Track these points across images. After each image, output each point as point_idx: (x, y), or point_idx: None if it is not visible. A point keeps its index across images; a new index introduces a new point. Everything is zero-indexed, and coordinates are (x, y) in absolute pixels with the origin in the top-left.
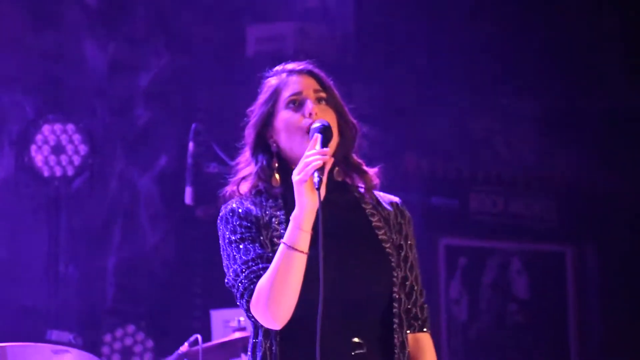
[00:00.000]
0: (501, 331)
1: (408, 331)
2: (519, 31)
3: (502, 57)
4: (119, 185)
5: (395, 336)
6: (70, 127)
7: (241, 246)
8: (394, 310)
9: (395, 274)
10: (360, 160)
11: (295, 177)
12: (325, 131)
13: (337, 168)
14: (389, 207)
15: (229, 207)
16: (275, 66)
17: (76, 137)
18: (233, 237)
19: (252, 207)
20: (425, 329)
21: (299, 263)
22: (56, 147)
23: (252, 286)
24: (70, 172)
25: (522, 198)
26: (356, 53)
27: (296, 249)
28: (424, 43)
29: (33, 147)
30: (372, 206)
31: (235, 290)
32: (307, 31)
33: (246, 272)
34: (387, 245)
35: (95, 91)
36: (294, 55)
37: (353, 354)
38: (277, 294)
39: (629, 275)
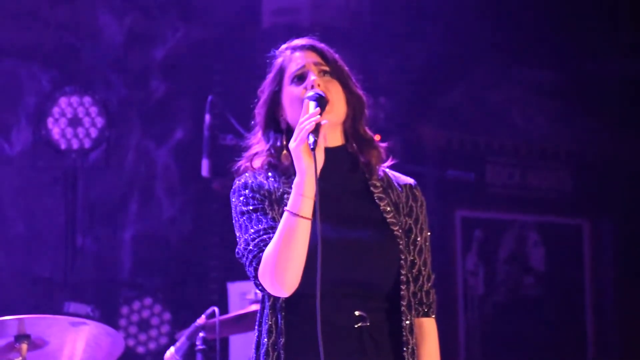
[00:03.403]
0: (517, 304)
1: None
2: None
3: (518, 26)
4: (136, 158)
5: (404, 318)
6: (87, 99)
7: (253, 217)
8: (402, 292)
9: (403, 257)
10: (372, 134)
11: (292, 144)
12: (319, 99)
13: (348, 140)
14: (400, 189)
15: (242, 180)
16: (290, 38)
17: (93, 110)
18: (245, 208)
19: (265, 182)
20: (429, 315)
21: (303, 229)
22: (73, 120)
23: (260, 254)
24: (87, 144)
25: (539, 170)
26: (371, 24)
27: (300, 216)
28: (439, 14)
29: (50, 120)
30: (381, 189)
31: (245, 259)
32: (322, 3)
33: (256, 241)
34: (395, 228)
35: (111, 63)
36: (309, 27)
37: (356, 326)
38: (283, 260)
39: None
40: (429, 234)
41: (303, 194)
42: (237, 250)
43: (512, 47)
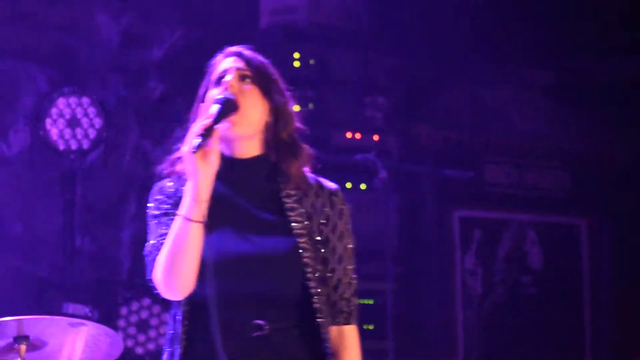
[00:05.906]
0: (516, 303)
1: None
2: None
3: (515, 25)
4: (134, 158)
5: (317, 327)
6: (85, 100)
7: (162, 220)
8: (315, 305)
9: (310, 269)
10: (300, 144)
11: (183, 148)
12: (225, 102)
13: (270, 149)
14: (315, 197)
15: (159, 185)
16: (288, 37)
17: (91, 110)
18: (155, 212)
19: (182, 188)
20: (350, 322)
21: (194, 233)
22: (71, 121)
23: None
24: (85, 145)
25: (537, 169)
26: (369, 24)
27: (190, 219)
28: (437, 13)
29: (48, 121)
30: (295, 198)
31: (146, 262)
32: (320, 2)
33: (157, 245)
34: (302, 240)
35: (109, 64)
36: (307, 27)
37: (253, 335)
38: (174, 263)
39: None
40: (350, 243)
41: (194, 198)
42: (143, 253)
43: (509, 46)
